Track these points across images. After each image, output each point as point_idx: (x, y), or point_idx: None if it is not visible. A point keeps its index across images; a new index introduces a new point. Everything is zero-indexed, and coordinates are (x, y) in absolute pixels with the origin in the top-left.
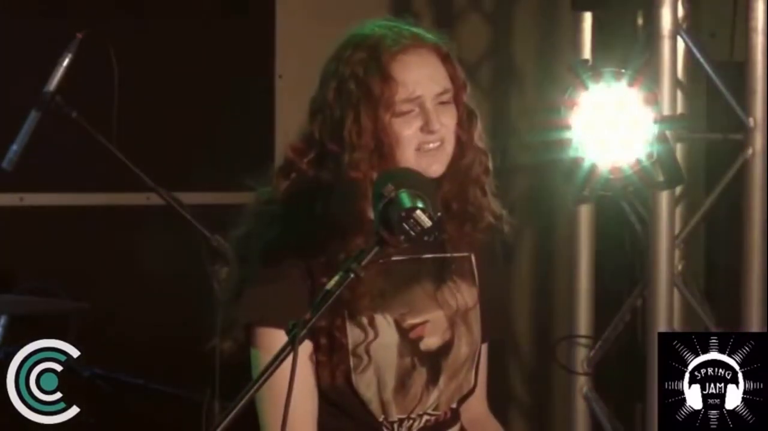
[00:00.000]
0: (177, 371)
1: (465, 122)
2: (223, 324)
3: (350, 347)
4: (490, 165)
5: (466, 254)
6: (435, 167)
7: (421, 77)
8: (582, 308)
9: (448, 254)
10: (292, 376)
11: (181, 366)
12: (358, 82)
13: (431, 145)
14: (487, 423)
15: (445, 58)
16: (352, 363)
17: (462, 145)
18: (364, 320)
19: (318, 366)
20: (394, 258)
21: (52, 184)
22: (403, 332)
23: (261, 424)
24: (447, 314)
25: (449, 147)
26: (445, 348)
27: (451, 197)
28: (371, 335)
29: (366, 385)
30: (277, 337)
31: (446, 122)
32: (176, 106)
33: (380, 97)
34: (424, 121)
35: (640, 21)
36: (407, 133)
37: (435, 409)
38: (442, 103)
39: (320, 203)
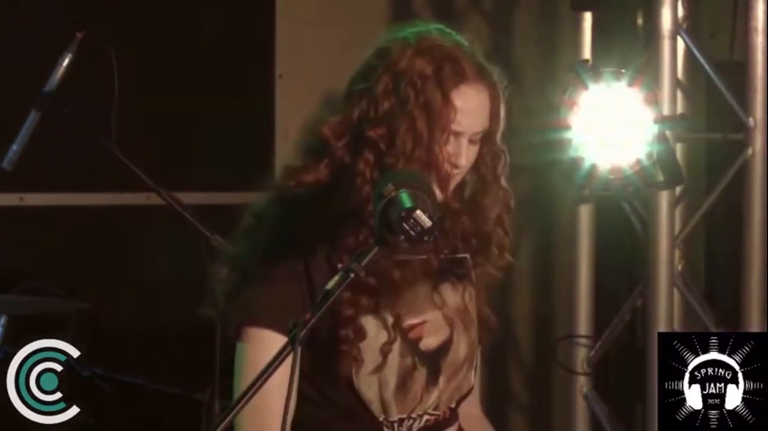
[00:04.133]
0: (177, 371)
1: (491, 160)
2: (221, 324)
3: (365, 342)
4: (512, 204)
5: (463, 255)
6: (440, 194)
7: (470, 114)
8: (582, 308)
9: (446, 255)
10: (293, 376)
11: (181, 366)
12: (416, 91)
13: (452, 176)
14: (481, 425)
15: (494, 98)
16: (364, 360)
17: (486, 183)
18: (387, 319)
19: (342, 357)
20: (393, 258)
21: (52, 184)
22: (402, 332)
23: (235, 421)
24: (445, 314)
25: (459, 178)
26: (444, 348)
27: (471, 234)
28: (391, 335)
29: (367, 386)
30: (265, 336)
31: (470, 158)
32: (176, 105)
33: (438, 118)
34: (453, 153)
35: (640, 21)
36: (448, 156)
37: (435, 409)
38: (472, 141)
39: (351, 193)
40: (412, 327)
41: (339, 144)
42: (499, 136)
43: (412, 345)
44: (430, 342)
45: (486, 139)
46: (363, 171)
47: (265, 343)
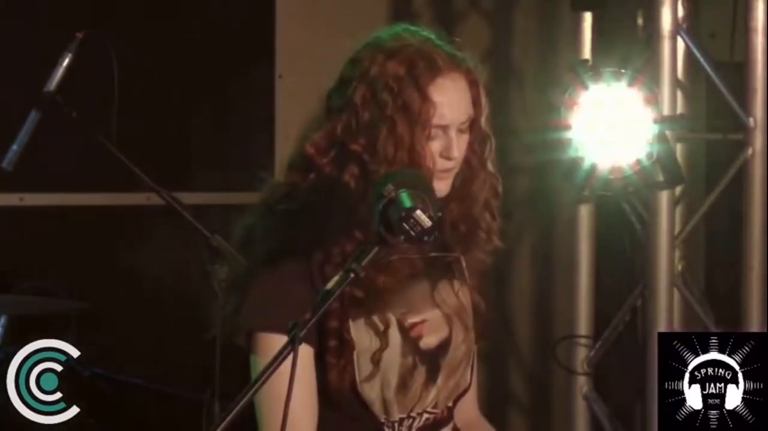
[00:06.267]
0: (177, 371)
1: (478, 146)
2: (224, 325)
3: (358, 351)
4: (500, 188)
5: (456, 255)
6: (442, 188)
7: (452, 104)
8: (582, 308)
9: (441, 254)
10: (292, 376)
11: (181, 366)
12: (393, 95)
13: (448, 169)
14: (480, 426)
15: (472, 84)
16: (359, 368)
17: (472, 169)
18: (372, 328)
19: (328, 369)
20: (390, 259)
21: (52, 184)
22: (404, 331)
23: (260, 428)
24: (444, 313)
25: (457, 168)
26: (443, 346)
27: (459, 220)
28: (380, 344)
29: (370, 387)
30: (278, 342)
31: (462, 148)
32: (176, 106)
33: (418, 116)
34: (444, 146)
35: (640, 21)
36: (433, 154)
37: (434, 407)
38: (461, 131)
39: (339, 205)
40: (413, 325)
41: (324, 160)
42: (483, 121)
43: (412, 344)
44: (429, 341)
45: (472, 125)
46: (348, 183)
47: (278, 348)
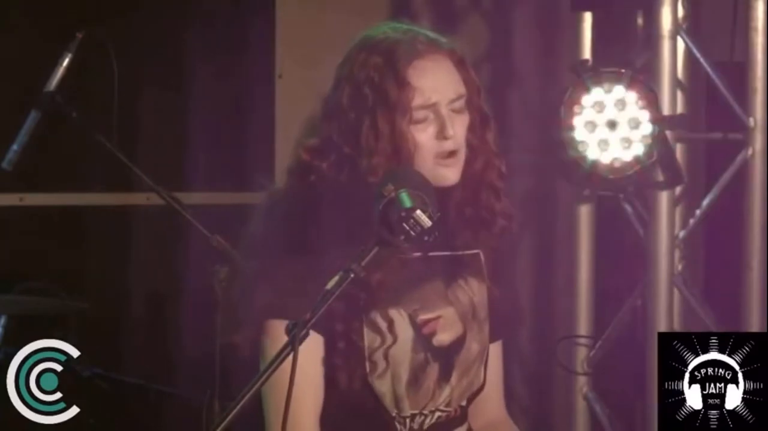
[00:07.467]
0: (177, 371)
1: (478, 126)
2: (224, 325)
3: (367, 351)
4: (504, 168)
5: (475, 251)
6: (451, 177)
7: (436, 83)
8: (582, 308)
9: (458, 252)
10: (292, 376)
11: (181, 366)
12: (373, 87)
13: (447, 151)
14: (505, 427)
15: (459, 64)
16: (368, 367)
17: (474, 150)
18: (383, 324)
19: (335, 370)
20: (404, 256)
21: (52, 184)
22: (416, 327)
23: (266, 421)
24: (458, 311)
25: (462, 155)
26: (457, 344)
27: (464, 203)
28: (389, 340)
29: (381, 382)
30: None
31: (459, 130)
32: (176, 106)
33: (397, 103)
34: (438, 127)
35: (640, 21)
36: (423, 139)
37: (447, 405)
38: (455, 110)
39: (337, 205)
40: (426, 322)
41: (324, 164)
42: (482, 101)
43: (425, 341)
44: (443, 338)
45: (469, 106)
46: (342, 183)
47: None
